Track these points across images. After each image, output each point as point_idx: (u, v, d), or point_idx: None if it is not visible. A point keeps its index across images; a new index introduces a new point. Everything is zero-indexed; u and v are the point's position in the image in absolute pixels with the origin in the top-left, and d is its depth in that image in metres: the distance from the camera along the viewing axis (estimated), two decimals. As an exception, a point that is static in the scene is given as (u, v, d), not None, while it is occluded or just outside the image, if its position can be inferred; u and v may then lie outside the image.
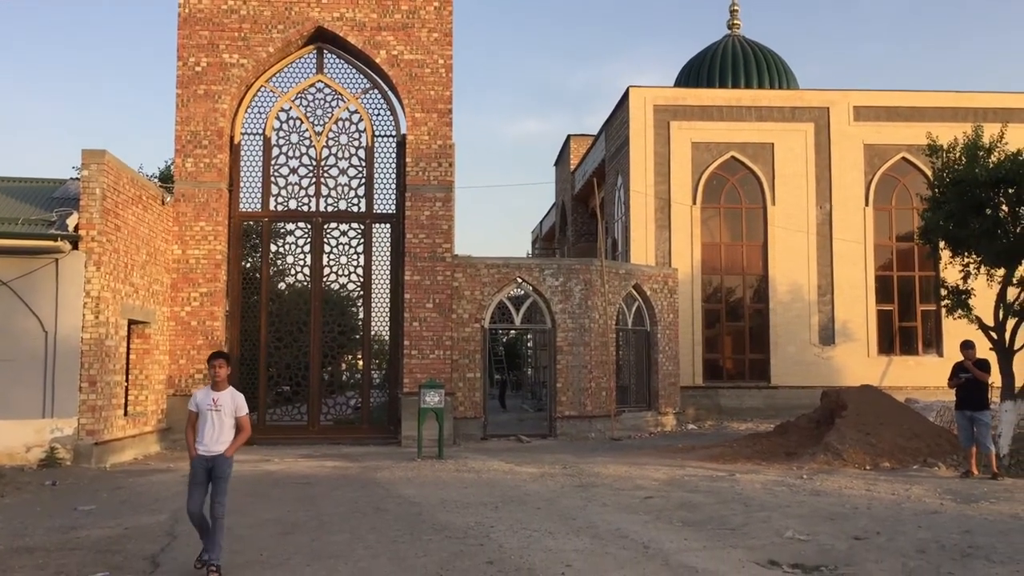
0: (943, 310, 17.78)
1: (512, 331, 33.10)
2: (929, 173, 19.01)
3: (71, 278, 14.80)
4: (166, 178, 26.33)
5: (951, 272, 17.83)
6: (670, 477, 13.49)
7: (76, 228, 14.91)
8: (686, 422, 24.48)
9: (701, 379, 27.27)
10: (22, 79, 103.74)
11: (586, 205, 38.22)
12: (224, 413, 7.85)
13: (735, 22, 35.49)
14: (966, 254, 16.27)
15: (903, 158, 28.23)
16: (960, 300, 16.05)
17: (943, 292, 16.83)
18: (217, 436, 7.80)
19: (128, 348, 16.96)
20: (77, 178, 16.33)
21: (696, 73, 33.89)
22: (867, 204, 28.18)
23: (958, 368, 14.11)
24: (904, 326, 28.40)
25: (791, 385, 27.09)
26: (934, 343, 28.24)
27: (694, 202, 27.86)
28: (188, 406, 8.07)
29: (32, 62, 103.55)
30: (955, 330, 25.25)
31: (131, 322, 16.85)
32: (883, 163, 28.30)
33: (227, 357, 8.07)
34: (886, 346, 28.12)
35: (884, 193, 28.50)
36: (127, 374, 16.89)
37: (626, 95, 28.56)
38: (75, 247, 14.83)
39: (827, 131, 28.29)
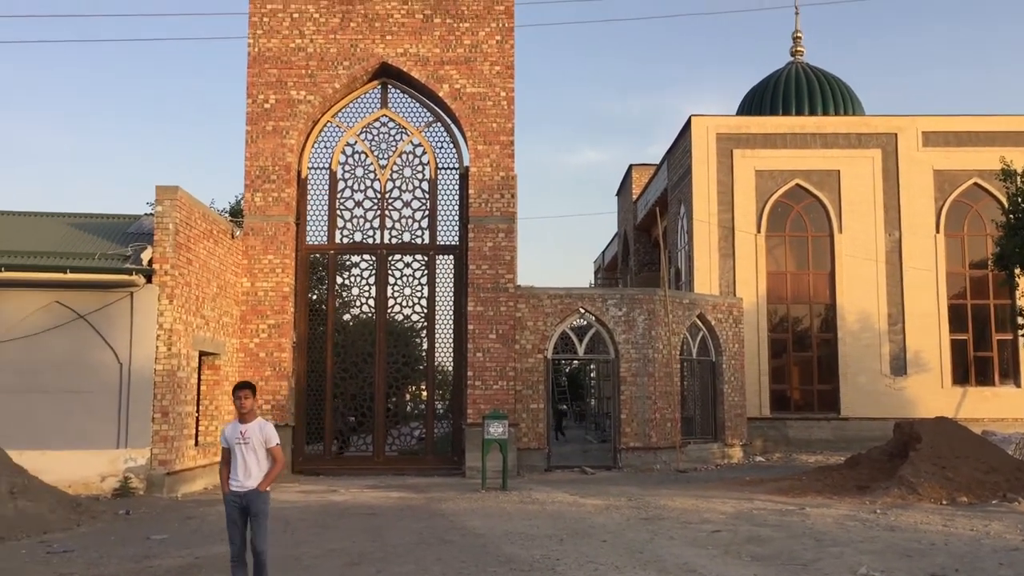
0: (1020, 339, 17.27)
1: (575, 361, 32.97)
2: (1003, 199, 18.57)
3: (145, 311, 15.20)
4: (236, 212, 26.95)
5: (1028, 300, 17.36)
6: (738, 510, 13.25)
7: (150, 262, 15.33)
8: (753, 454, 24.05)
9: (768, 410, 26.79)
10: (100, 118, 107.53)
11: (648, 234, 38.04)
12: (254, 446, 7.52)
13: (798, 49, 35.19)
14: (1044, 281, 15.80)
15: (975, 183, 27.56)
16: (1039, 329, 15.57)
17: (1020, 320, 16.35)
18: (248, 470, 7.48)
19: (199, 379, 17.32)
20: (151, 214, 16.82)
21: (759, 101, 33.65)
22: (938, 231, 27.55)
23: None
24: (979, 356, 27.57)
25: (862, 416, 26.45)
26: (1011, 373, 27.34)
27: (759, 230, 27.55)
28: (220, 442, 7.80)
29: (110, 102, 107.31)
30: (1034, 360, 24.52)
31: (202, 353, 17.21)
32: (954, 189, 27.67)
33: (252, 387, 7.76)
34: (961, 376, 27.32)
35: (956, 219, 27.84)
36: (198, 405, 17.23)
37: (688, 124, 28.46)
38: (149, 281, 15.24)
39: (895, 157, 27.78)
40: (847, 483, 15.73)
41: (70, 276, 14.88)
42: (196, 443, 16.81)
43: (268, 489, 7.57)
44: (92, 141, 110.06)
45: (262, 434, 7.56)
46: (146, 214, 18.64)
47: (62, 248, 16.06)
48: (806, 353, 27.83)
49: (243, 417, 7.58)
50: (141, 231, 16.97)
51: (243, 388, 7.62)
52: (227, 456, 7.61)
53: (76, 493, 13.82)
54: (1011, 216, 16.07)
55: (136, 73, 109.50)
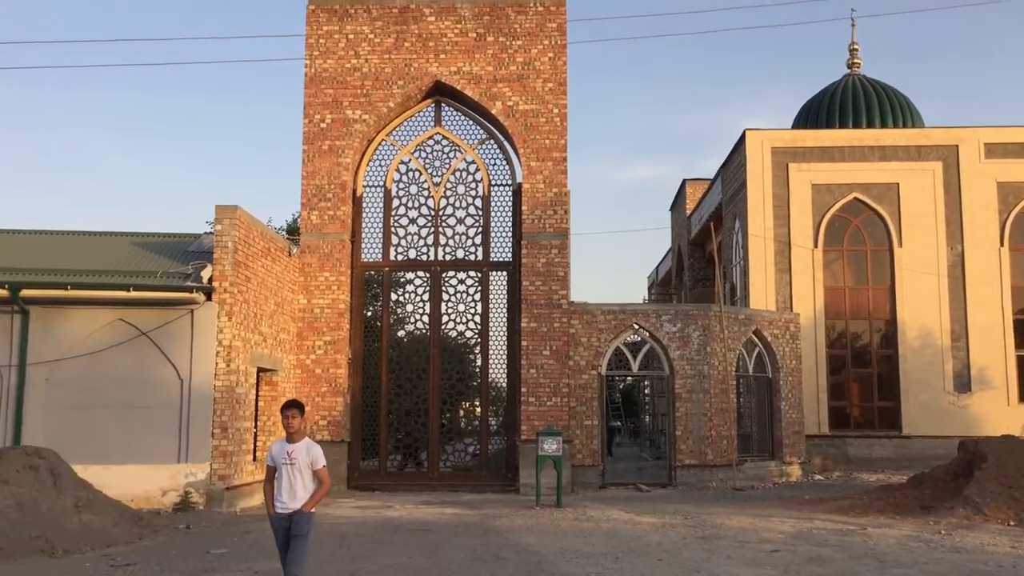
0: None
1: (629, 378, 32.77)
2: (1070, 211, 18.08)
3: (205, 328, 15.49)
4: (293, 230, 27.36)
5: (1099, 315, 16.83)
6: (797, 530, 13.02)
7: (210, 280, 15.64)
8: (812, 472, 23.62)
9: (827, 427, 26.31)
10: (162, 140, 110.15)
11: (703, 250, 37.73)
12: (300, 466, 7.36)
13: (855, 61, 34.68)
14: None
15: (1041, 195, 26.85)
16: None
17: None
18: (294, 491, 7.33)
19: (257, 395, 17.56)
20: (211, 232, 17.15)
21: (815, 114, 33.22)
22: (1002, 244, 26.87)
23: None
24: (1047, 372, 26.76)
25: (924, 435, 25.84)
26: (1081, 390, 26.48)
27: (815, 245, 27.16)
28: (266, 461, 7.66)
29: (172, 125, 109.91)
30: (1105, 376, 23.74)
31: (260, 370, 17.47)
32: (1019, 201, 26.98)
33: (300, 407, 7.57)
34: (1027, 393, 26.52)
35: (1021, 232, 27.13)
36: (256, 420, 17.48)
37: (743, 138, 28.21)
38: (209, 298, 15.54)
39: (956, 169, 27.20)
40: (910, 503, 15.37)
41: (133, 294, 15.24)
42: (254, 458, 17.04)
43: (312, 511, 7.41)
44: (153, 161, 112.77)
45: (309, 455, 7.40)
46: (206, 233, 19.02)
47: (125, 267, 16.46)
48: (866, 369, 27.30)
49: (291, 437, 7.44)
50: (201, 250, 17.32)
51: (291, 407, 7.48)
52: (272, 475, 7.50)
53: (138, 507, 14.09)
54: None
55: (196, 95, 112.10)
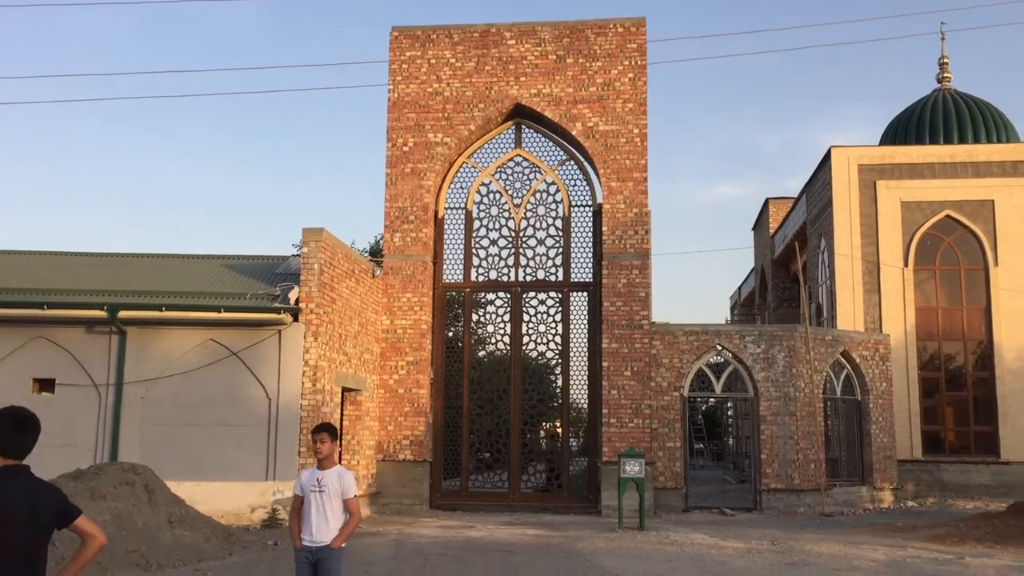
0: None
1: (712, 399, 32.29)
2: None
3: (292, 348, 15.82)
4: (375, 252, 27.82)
5: None
6: (890, 558, 12.60)
7: (296, 301, 15.98)
8: (904, 498, 22.85)
9: (920, 452, 25.44)
10: (251, 164, 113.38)
11: (787, 269, 37.04)
12: (329, 495, 6.72)
13: (945, 75, 33.71)
14: None
15: None
16: None
17: None
18: (322, 523, 6.68)
19: (341, 414, 17.84)
20: (297, 255, 17.56)
21: (903, 130, 32.36)
22: (1106, 262, 25.70)
23: None
24: None
25: (1024, 461, 24.79)
26: None
27: (906, 264, 26.40)
28: (294, 489, 7.03)
29: (264, 151, 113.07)
30: None
31: (344, 389, 17.75)
32: (1122, 217, 25.80)
33: (332, 430, 6.92)
34: None
35: (1125, 249, 25.91)
36: (340, 439, 17.74)
37: (828, 155, 27.67)
38: (295, 319, 15.87)
39: (1055, 185, 26.16)
40: (1010, 531, 14.74)
41: (224, 315, 15.66)
42: (338, 477, 17.25)
43: (343, 546, 6.74)
44: (243, 185, 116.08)
45: (340, 484, 6.77)
46: (293, 255, 19.48)
47: (216, 289, 16.95)
48: (960, 392, 26.35)
49: (321, 463, 6.83)
50: (288, 271, 17.73)
51: (321, 431, 6.83)
52: (299, 504, 6.85)
53: (228, 523, 14.42)
54: None
55: (283, 121, 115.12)
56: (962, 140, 30.57)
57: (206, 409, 15.73)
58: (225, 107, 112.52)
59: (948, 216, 26.52)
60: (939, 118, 31.73)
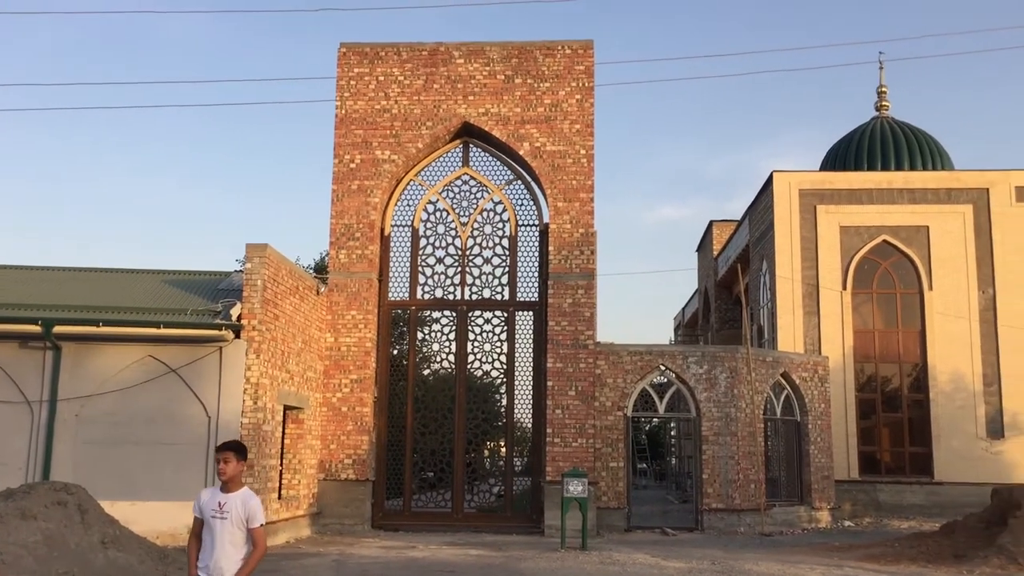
0: None
1: (655, 419, 32.53)
2: (1104, 255, 17.90)
3: (233, 365, 15.59)
4: (320, 269, 27.60)
5: None
6: (827, 578, 12.79)
7: (239, 318, 15.76)
8: (841, 518, 23.23)
9: (857, 473, 25.92)
10: (194, 179, 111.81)
11: (730, 291, 37.57)
12: (232, 522, 5.92)
13: (883, 103, 34.62)
14: None
15: (1074, 239, 26.55)
16: None
17: None
18: (222, 554, 5.88)
19: (283, 433, 17.60)
20: (241, 271, 17.35)
21: (843, 156, 33.13)
22: (1035, 288, 26.52)
23: None
24: (1083, 419, 26.26)
25: (956, 481, 25.38)
26: (1118, 438, 25.94)
27: (844, 287, 26.97)
28: (192, 510, 6.21)
29: (203, 164, 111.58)
30: None
31: (286, 407, 17.53)
32: (1051, 245, 26.67)
33: (238, 449, 6.15)
34: (1063, 440, 26.02)
35: (1054, 276, 26.77)
36: (281, 458, 17.50)
37: (770, 180, 28.19)
38: (237, 336, 15.65)
39: (987, 213, 26.99)
40: (942, 551, 15.07)
41: (163, 331, 15.38)
42: (279, 496, 17.04)
43: None
44: (186, 200, 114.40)
45: (244, 509, 5.96)
46: (236, 271, 19.22)
47: (155, 304, 16.65)
48: (896, 414, 26.94)
49: (225, 485, 6.04)
50: (231, 287, 17.50)
51: (225, 449, 6.09)
52: (199, 528, 6.07)
53: (163, 544, 14.07)
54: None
55: (225, 136, 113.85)
56: (899, 167, 31.39)
57: (143, 427, 15.40)
58: (169, 121, 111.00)
59: (885, 241, 27.18)
60: (877, 145, 32.56)
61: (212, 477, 15.18)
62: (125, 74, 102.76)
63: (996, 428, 25.98)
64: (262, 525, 6.02)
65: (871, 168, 31.43)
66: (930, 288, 26.84)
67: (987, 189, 27.14)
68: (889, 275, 27.27)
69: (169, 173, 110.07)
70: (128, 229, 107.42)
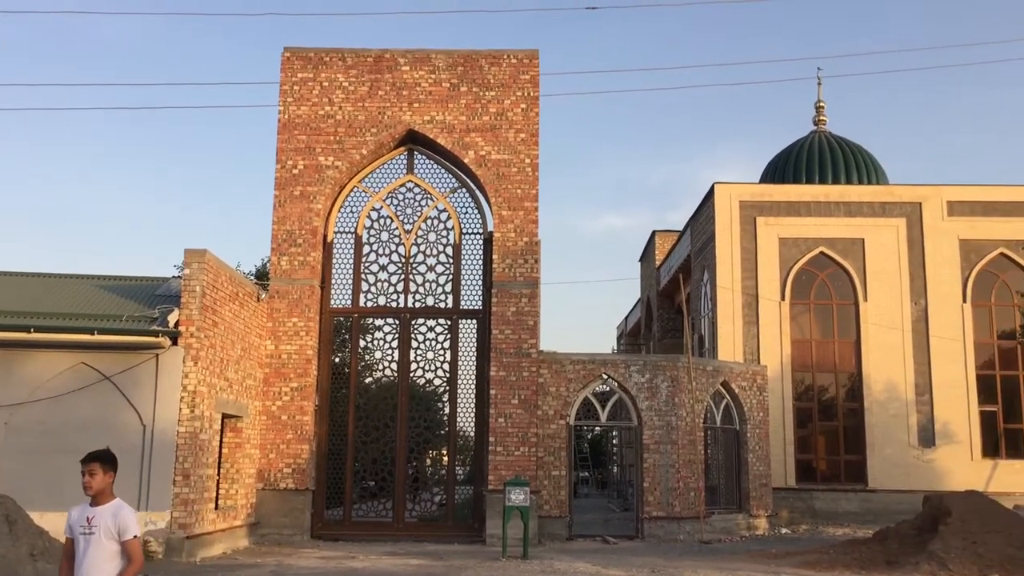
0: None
1: (597, 428, 32.70)
2: (1030, 269, 18.47)
3: (170, 373, 15.27)
4: (262, 275, 27.23)
5: (1059, 372, 17.12)
6: (764, 585, 12.96)
7: (176, 324, 15.45)
8: (779, 525, 23.59)
9: (794, 480, 26.36)
10: (132, 183, 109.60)
11: (672, 301, 37.99)
12: (100, 537, 5.59)
13: (821, 118, 35.41)
14: (1074, 353, 15.58)
15: (1001, 253, 27.41)
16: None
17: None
18: (93, 571, 5.55)
19: (221, 442, 17.30)
20: (179, 276, 17.01)
21: (782, 169, 33.79)
22: (965, 300, 27.32)
23: None
24: (1009, 428, 27.08)
25: (889, 489, 25.97)
26: (1043, 446, 26.80)
27: (783, 298, 27.45)
28: (64, 531, 5.90)
29: (141, 167, 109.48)
30: (1066, 433, 24.06)
31: (224, 416, 17.23)
32: (980, 259, 27.51)
33: (104, 459, 5.82)
34: (991, 449, 26.80)
35: (983, 289, 27.62)
36: (219, 468, 17.19)
37: (711, 191, 28.59)
38: (175, 343, 15.34)
39: (920, 226, 27.72)
40: (875, 558, 15.38)
41: (97, 338, 15.00)
42: (216, 507, 16.74)
43: None
44: (122, 204, 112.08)
45: (115, 523, 5.64)
46: (174, 276, 18.85)
47: (90, 310, 16.24)
48: (832, 423, 27.47)
49: (93, 499, 5.72)
50: (168, 293, 17.14)
51: (90, 461, 5.75)
52: (69, 548, 5.74)
53: (95, 556, 13.73)
54: (1039, 287, 15.96)
55: (166, 139, 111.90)
56: (836, 180, 32.11)
57: (76, 436, 14.94)
58: (106, 124, 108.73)
59: (822, 253, 27.73)
60: (815, 159, 33.29)
61: (147, 487, 14.87)
62: (58, 76, 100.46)
63: (928, 436, 26.64)
64: (136, 537, 5.72)
65: (809, 181, 32.09)
66: (865, 299, 27.44)
67: (920, 203, 27.86)
68: (826, 286, 27.82)
69: (106, 177, 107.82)
70: (63, 233, 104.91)
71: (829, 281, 27.81)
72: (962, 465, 26.19)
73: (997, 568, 13.89)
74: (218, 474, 17.17)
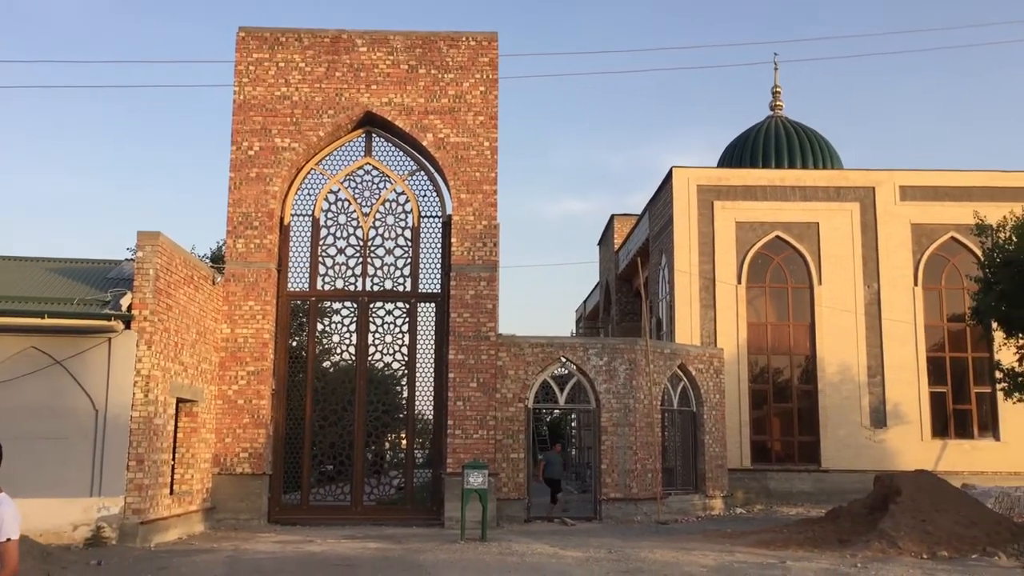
0: (999, 393, 17.45)
1: (556, 411, 32.83)
2: (979, 253, 18.83)
3: (123, 357, 15.06)
4: (217, 258, 26.89)
5: (1006, 354, 17.51)
6: (719, 563, 13.15)
7: (129, 308, 15.22)
8: (734, 506, 23.93)
9: (749, 461, 26.74)
10: (83, 164, 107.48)
11: (630, 284, 38.21)
12: None
13: (777, 103, 35.76)
14: (1020, 336, 15.96)
15: (952, 237, 27.92)
16: (1017, 383, 15.70)
17: (999, 375, 16.49)
18: None
19: (176, 426, 17.11)
20: (131, 259, 16.75)
21: (739, 153, 34.08)
22: (916, 284, 27.82)
23: None
24: (958, 408, 27.69)
25: (842, 469, 26.44)
26: (990, 426, 27.44)
27: (739, 281, 27.73)
28: None
29: (93, 147, 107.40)
30: (1012, 413, 24.68)
31: (179, 400, 17.04)
32: (931, 243, 28.01)
33: None
34: (940, 429, 27.40)
35: (933, 273, 28.14)
36: (174, 452, 17.01)
37: (669, 175, 28.75)
38: (127, 326, 15.12)
39: (873, 211, 28.14)
40: (828, 536, 15.67)
41: (47, 321, 14.72)
42: (171, 492, 16.57)
43: None
44: (73, 186, 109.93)
45: None
46: (127, 260, 18.56)
47: (40, 293, 15.91)
48: (787, 404, 27.87)
49: None
50: (121, 276, 16.87)
51: None
52: None
53: (47, 542, 13.55)
54: (987, 271, 16.30)
55: (117, 119, 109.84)
56: (791, 165, 32.46)
57: (25, 421, 14.71)
58: (56, 103, 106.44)
59: (778, 237, 28.05)
60: (771, 143, 33.63)
61: (100, 473, 14.67)
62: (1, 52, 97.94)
63: (879, 417, 27.14)
64: (10, 540, 5.02)
65: (766, 165, 32.42)
66: (819, 283, 27.83)
67: (873, 188, 28.27)
68: (781, 270, 28.16)
69: (56, 158, 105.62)
70: (11, 216, 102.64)
71: (784, 265, 28.14)
72: (912, 445, 26.74)
73: (944, 545, 14.23)
74: (173, 459, 16.98)
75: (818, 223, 28.07)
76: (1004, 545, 14.24)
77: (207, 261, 25.71)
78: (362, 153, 21.07)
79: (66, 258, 18.78)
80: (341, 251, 20.55)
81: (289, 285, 20.40)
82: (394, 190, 20.90)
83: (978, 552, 14.04)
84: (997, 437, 27.05)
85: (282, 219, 20.40)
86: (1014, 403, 16.25)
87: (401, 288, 20.51)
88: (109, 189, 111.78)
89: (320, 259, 20.50)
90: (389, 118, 20.35)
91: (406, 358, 20.27)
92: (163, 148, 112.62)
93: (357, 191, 20.85)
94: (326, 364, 22.03)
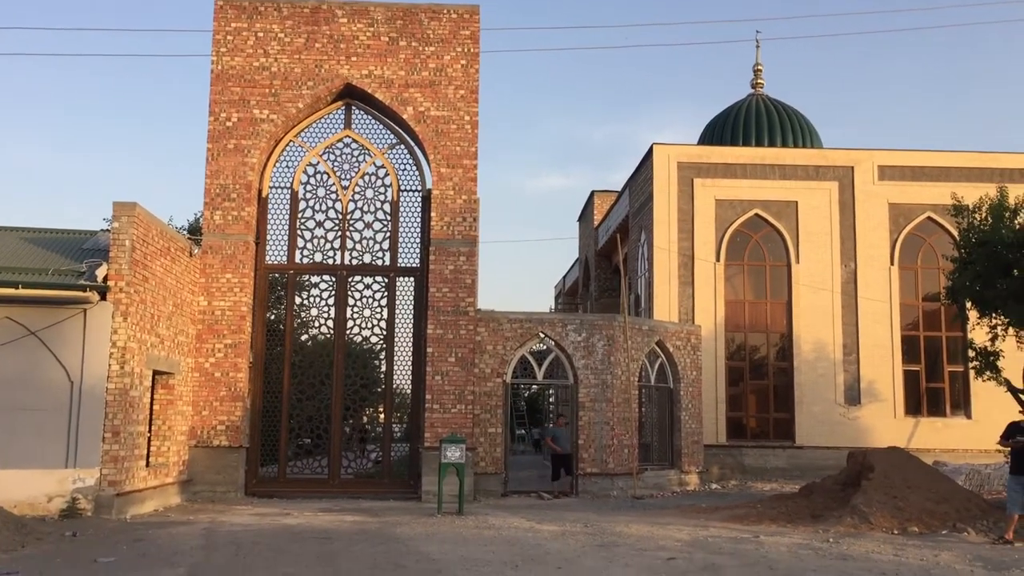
0: (971, 372, 17.67)
1: (534, 386, 32.94)
2: (955, 233, 18.98)
3: (98, 328, 14.95)
4: (195, 230, 26.70)
5: (979, 333, 17.70)
6: (693, 538, 13.29)
7: (105, 279, 15.10)
8: (709, 481, 24.16)
9: (725, 438, 26.97)
10: (58, 133, 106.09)
11: (609, 261, 38.28)
12: None
13: (759, 81, 35.78)
14: (994, 315, 16.13)
15: (928, 218, 28.13)
16: (988, 362, 15.90)
17: (971, 354, 16.67)
18: None
19: (152, 398, 17.04)
20: (108, 230, 16.59)
21: (720, 131, 34.10)
22: (892, 263, 28.04)
23: (1015, 428, 13.64)
24: (931, 387, 28.03)
25: (816, 445, 26.73)
26: (962, 405, 27.81)
27: (718, 259, 27.84)
28: None
29: (68, 116, 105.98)
30: (984, 392, 24.95)
31: (156, 373, 16.95)
32: (908, 222, 28.21)
33: None
34: (913, 407, 27.73)
35: (910, 252, 28.36)
36: (150, 425, 16.95)
37: (650, 152, 28.75)
38: (103, 298, 15.00)
39: (851, 190, 28.28)
40: (801, 511, 15.86)
41: (22, 292, 14.58)
42: (147, 464, 16.52)
43: None
44: (50, 155, 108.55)
45: None
46: (103, 230, 18.37)
47: (14, 263, 15.73)
48: (763, 381, 28.10)
49: None
50: (97, 247, 16.72)
51: None
52: None
53: (22, 513, 13.50)
54: (962, 251, 16.44)
55: (96, 88, 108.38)
56: (771, 143, 32.54)
57: (0, 392, 14.61)
58: (29, 72, 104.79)
59: (756, 215, 28.15)
60: (752, 121, 33.66)
61: (75, 444, 14.60)
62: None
63: (853, 395, 27.43)
64: None
65: (746, 143, 32.48)
66: (797, 261, 27.99)
67: (852, 167, 28.39)
68: (760, 248, 28.29)
69: (31, 128, 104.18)
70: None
71: (763, 243, 28.27)
72: (886, 422, 27.06)
73: (915, 521, 14.44)
74: (149, 431, 16.92)
75: (797, 202, 28.19)
76: (973, 521, 14.47)
77: (185, 233, 25.52)
78: (342, 126, 20.91)
79: (40, 228, 18.57)
80: (320, 224, 20.45)
81: (267, 258, 20.29)
82: (374, 163, 20.78)
83: (948, 528, 14.26)
84: (969, 415, 27.41)
85: (260, 191, 20.25)
86: (984, 381, 16.43)
87: (380, 262, 20.44)
88: (83, 160, 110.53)
89: (299, 232, 20.38)
90: (369, 90, 20.19)
91: (384, 332, 20.25)
92: (140, 119, 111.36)
93: (336, 164, 20.71)
94: (304, 337, 21.99)
